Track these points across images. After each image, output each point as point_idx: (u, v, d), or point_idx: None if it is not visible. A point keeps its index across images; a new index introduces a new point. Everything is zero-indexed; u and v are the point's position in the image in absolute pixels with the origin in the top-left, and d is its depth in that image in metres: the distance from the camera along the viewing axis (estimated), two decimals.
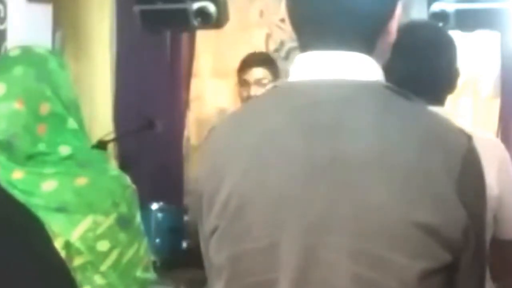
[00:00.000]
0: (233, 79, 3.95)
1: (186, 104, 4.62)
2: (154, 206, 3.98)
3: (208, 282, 1.32)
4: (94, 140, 3.98)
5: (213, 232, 1.23)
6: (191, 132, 4.71)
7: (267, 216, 1.18)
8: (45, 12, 3.70)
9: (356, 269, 1.13)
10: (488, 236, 1.92)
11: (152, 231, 3.93)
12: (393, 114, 1.19)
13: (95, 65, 4.26)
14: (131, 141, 4.34)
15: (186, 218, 4.10)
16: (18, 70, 1.68)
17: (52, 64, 1.72)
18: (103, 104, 4.36)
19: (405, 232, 1.12)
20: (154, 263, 4.05)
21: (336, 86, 1.21)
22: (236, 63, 3.84)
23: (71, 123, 1.70)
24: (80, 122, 1.74)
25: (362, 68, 1.22)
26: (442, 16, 3.47)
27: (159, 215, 4.02)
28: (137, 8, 3.84)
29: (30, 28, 3.51)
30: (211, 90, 4.75)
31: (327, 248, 1.14)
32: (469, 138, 1.20)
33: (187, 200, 4.45)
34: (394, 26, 1.27)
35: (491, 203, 1.88)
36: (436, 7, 3.50)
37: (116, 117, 4.43)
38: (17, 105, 1.65)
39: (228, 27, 3.91)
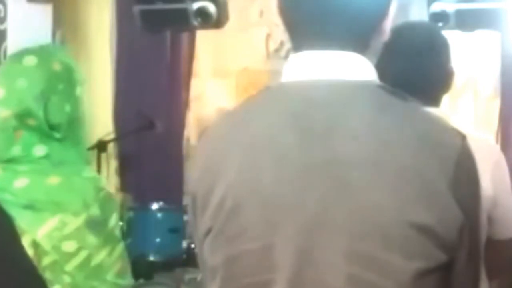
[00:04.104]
0: (233, 79, 3.95)
1: (186, 104, 4.62)
2: (154, 206, 3.98)
3: (203, 283, 1.32)
4: (94, 140, 4.00)
5: (207, 233, 1.22)
6: (191, 132, 4.71)
7: (262, 217, 1.17)
8: (45, 12, 3.70)
9: (351, 270, 1.13)
10: (483, 237, 1.93)
11: (152, 231, 3.94)
12: (388, 114, 1.19)
13: (95, 65, 4.26)
14: (131, 141, 4.35)
15: (186, 218, 4.10)
16: (22, 84, 1.66)
17: (62, 84, 1.70)
18: (103, 104, 4.36)
19: (400, 232, 1.12)
20: (152, 263, 4.09)
21: (330, 86, 1.21)
22: (236, 63, 3.84)
23: (55, 135, 1.69)
24: (75, 133, 1.72)
25: (356, 68, 1.22)
26: (442, 16, 3.46)
27: (159, 215, 4.02)
28: (137, 8, 3.84)
29: (30, 28, 3.51)
30: (211, 90, 4.76)
31: (322, 249, 1.14)
32: (463, 137, 1.19)
33: (187, 200, 4.45)
34: (387, 25, 1.27)
35: (485, 204, 1.88)
36: (436, 7, 3.49)
37: (116, 117, 4.43)
38: (5, 114, 1.66)
39: (228, 27, 3.91)
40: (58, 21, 3.89)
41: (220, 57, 4.68)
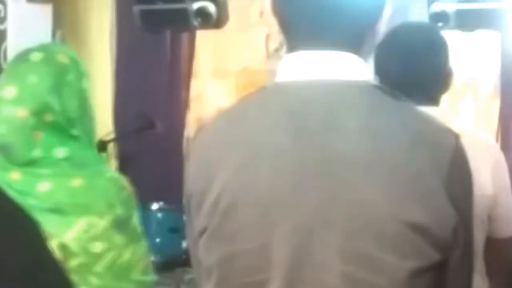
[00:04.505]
0: (233, 79, 3.95)
1: (186, 104, 4.62)
2: (154, 206, 3.98)
3: (197, 283, 1.32)
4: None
5: (202, 232, 1.23)
6: (191, 132, 4.71)
7: (258, 216, 1.17)
8: (45, 12, 3.70)
9: (346, 268, 1.13)
10: (483, 235, 1.93)
11: (152, 231, 3.93)
12: (383, 113, 1.19)
13: (95, 65, 4.26)
14: (131, 141, 4.35)
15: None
16: (33, 79, 1.66)
17: (71, 76, 1.69)
18: (103, 104, 4.36)
19: (395, 231, 1.12)
20: (154, 264, 4.08)
21: (326, 86, 1.21)
22: (236, 63, 3.84)
23: (72, 131, 1.69)
24: (87, 130, 1.73)
25: (351, 67, 1.22)
26: (442, 16, 3.47)
27: (159, 215, 4.02)
28: (137, 8, 3.84)
29: (30, 28, 3.51)
30: (211, 90, 4.76)
31: (318, 247, 1.14)
32: (456, 137, 1.20)
33: None
34: (381, 26, 1.27)
35: (485, 203, 1.89)
36: (436, 7, 3.50)
37: (116, 117, 4.43)
38: (21, 113, 1.64)
39: (228, 27, 3.91)
40: (58, 21, 3.89)
41: (220, 57, 4.68)
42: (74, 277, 1.60)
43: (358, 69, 1.23)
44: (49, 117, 1.66)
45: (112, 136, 4.24)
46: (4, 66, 3.25)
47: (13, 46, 3.30)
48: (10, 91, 1.66)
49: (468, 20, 3.49)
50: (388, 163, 1.14)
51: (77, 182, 1.64)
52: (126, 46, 4.37)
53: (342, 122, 1.17)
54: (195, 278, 1.33)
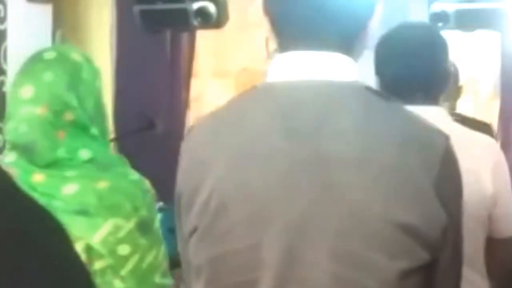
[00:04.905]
0: (233, 79, 3.95)
1: (186, 104, 4.62)
2: None
3: (186, 283, 1.32)
4: None
5: (192, 232, 1.23)
6: None
7: (248, 216, 1.18)
8: (45, 12, 3.69)
9: (336, 268, 1.13)
10: (483, 235, 1.93)
11: None
12: (373, 114, 1.20)
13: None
14: (131, 141, 4.34)
15: None
16: (49, 76, 1.65)
17: (86, 73, 1.69)
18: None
19: (385, 232, 1.13)
20: None
21: (316, 87, 1.21)
22: (236, 63, 3.84)
23: (93, 131, 1.69)
24: (103, 129, 1.73)
25: (342, 68, 1.23)
26: (442, 16, 3.47)
27: (159, 215, 4.01)
28: (137, 8, 3.84)
29: (30, 28, 3.50)
30: (211, 90, 4.76)
31: (308, 247, 1.15)
32: (446, 138, 1.20)
33: None
34: (373, 27, 1.27)
35: (486, 202, 1.89)
36: (436, 7, 3.50)
37: (116, 117, 4.43)
38: (40, 111, 1.64)
39: (228, 27, 3.91)
40: (58, 21, 3.88)
41: (220, 57, 4.68)
42: (97, 280, 1.59)
43: (349, 70, 1.23)
44: (69, 116, 1.65)
45: (112, 136, 4.24)
46: (4, 66, 3.25)
47: (13, 46, 3.29)
48: (27, 91, 1.65)
49: (468, 20, 3.49)
50: (379, 164, 1.14)
51: (103, 184, 1.63)
52: (126, 46, 4.36)
53: (333, 123, 1.17)
54: (185, 278, 1.33)
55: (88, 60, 1.74)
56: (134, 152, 4.43)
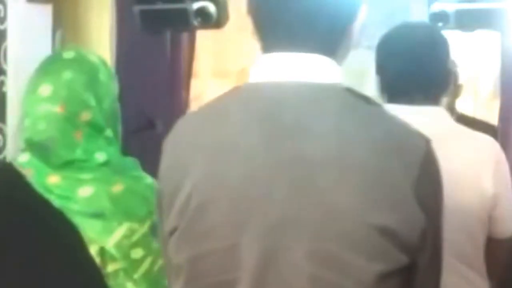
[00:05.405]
0: (233, 79, 3.95)
1: (186, 104, 4.62)
2: None
3: (167, 281, 1.32)
4: None
5: (172, 232, 1.23)
6: None
7: (227, 216, 1.18)
8: (45, 12, 3.69)
9: (313, 270, 1.14)
10: (483, 235, 1.93)
11: None
12: (353, 116, 1.20)
13: None
14: (131, 141, 4.34)
15: None
16: (67, 74, 1.66)
17: (102, 75, 1.71)
18: None
19: (363, 234, 1.13)
20: None
21: (297, 88, 1.22)
22: (236, 63, 3.84)
23: (108, 133, 1.69)
24: (116, 132, 1.73)
25: (324, 70, 1.23)
26: (442, 16, 3.46)
27: None
28: (137, 8, 3.84)
29: (30, 28, 3.50)
30: (211, 90, 4.76)
31: (286, 248, 1.15)
32: (427, 141, 1.21)
33: None
34: (356, 28, 1.28)
35: (486, 203, 1.89)
36: (436, 7, 3.49)
37: None
38: (58, 109, 1.64)
39: (228, 27, 3.91)
40: (58, 21, 3.88)
41: (220, 57, 4.68)
42: (110, 283, 1.60)
43: (331, 72, 1.24)
44: (86, 116, 1.66)
45: None
46: (4, 66, 3.25)
47: (13, 46, 3.29)
48: (46, 89, 1.66)
49: (468, 20, 3.49)
50: (358, 167, 1.15)
51: (118, 187, 1.64)
52: (126, 46, 4.36)
53: (313, 124, 1.18)
54: (167, 278, 1.34)
55: (104, 62, 1.76)
56: (134, 152, 4.45)
